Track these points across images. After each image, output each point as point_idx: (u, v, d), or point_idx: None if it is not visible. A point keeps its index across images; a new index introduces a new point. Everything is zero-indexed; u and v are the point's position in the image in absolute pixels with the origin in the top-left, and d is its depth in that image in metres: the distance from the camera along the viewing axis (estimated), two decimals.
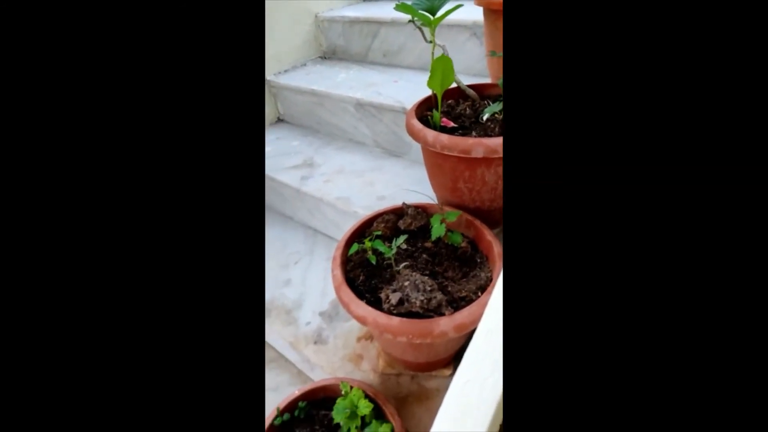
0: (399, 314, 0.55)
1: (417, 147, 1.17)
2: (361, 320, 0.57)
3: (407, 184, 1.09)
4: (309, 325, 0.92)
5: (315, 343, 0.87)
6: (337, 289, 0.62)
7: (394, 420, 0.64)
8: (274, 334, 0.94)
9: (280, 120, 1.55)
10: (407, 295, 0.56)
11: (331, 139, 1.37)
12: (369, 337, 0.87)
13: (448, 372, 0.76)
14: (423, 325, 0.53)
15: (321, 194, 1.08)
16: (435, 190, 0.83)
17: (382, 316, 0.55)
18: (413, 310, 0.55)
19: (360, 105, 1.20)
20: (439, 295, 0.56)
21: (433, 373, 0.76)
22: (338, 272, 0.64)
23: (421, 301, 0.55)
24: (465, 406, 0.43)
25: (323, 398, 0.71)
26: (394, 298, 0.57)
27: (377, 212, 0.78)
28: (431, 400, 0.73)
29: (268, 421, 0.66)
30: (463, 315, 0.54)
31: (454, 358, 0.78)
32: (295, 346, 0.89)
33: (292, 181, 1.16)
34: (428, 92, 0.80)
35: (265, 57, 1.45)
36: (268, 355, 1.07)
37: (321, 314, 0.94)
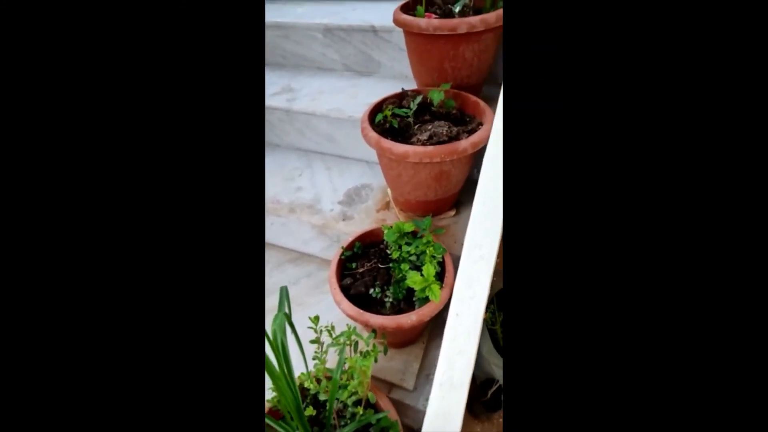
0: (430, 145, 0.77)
1: (385, 65, 1.35)
2: (403, 156, 0.77)
3: (386, 93, 1.28)
4: (332, 211, 1.09)
5: (343, 220, 1.06)
6: (377, 142, 0.81)
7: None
8: (304, 224, 1.09)
9: None
10: (434, 132, 0.78)
11: (299, 70, 1.47)
12: (385, 207, 1.08)
13: (452, 213, 1.02)
14: (450, 146, 0.76)
15: (312, 109, 1.21)
16: (420, 78, 1.04)
17: (419, 147, 0.77)
18: (441, 139, 0.77)
19: (328, 30, 1.32)
20: (457, 128, 0.79)
21: (442, 215, 1.01)
22: (373, 133, 0.83)
23: (446, 131, 0.77)
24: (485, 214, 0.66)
25: (370, 242, 0.92)
26: (425, 135, 0.78)
27: (382, 98, 0.97)
28: (447, 231, 0.98)
29: (337, 258, 0.84)
30: (475, 137, 0.78)
31: (455, 203, 1.04)
32: (326, 227, 1.06)
33: (279, 103, 1.26)
34: (387, 12, 0.98)
35: None
36: (290, 255, 1.22)
37: (340, 203, 1.12)
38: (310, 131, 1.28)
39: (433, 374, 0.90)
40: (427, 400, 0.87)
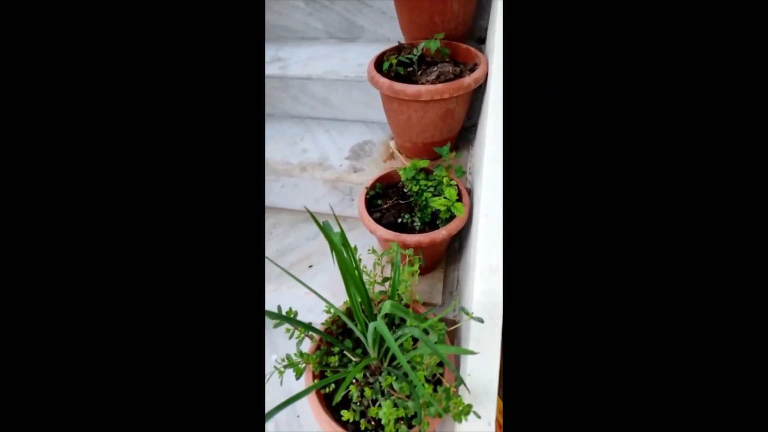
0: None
1: (369, 30, 1.42)
2: (416, 95, 0.87)
3: (373, 55, 1.35)
4: (342, 166, 1.17)
5: (355, 172, 1.14)
6: (390, 86, 0.89)
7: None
8: (317, 181, 1.16)
9: None
10: (441, 72, 0.88)
11: (282, 41, 1.50)
12: (390, 158, 1.17)
13: (452, 155, 1.13)
14: (457, 82, 0.87)
15: (307, 73, 1.26)
16: (412, 34, 1.13)
17: (429, 86, 0.86)
18: (448, 77, 0.87)
19: None
20: (460, 69, 0.90)
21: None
22: (383, 79, 0.91)
23: (452, 69, 0.87)
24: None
25: (387, 184, 1.01)
26: (432, 76, 0.88)
27: (382, 51, 1.05)
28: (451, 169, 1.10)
29: (363, 197, 0.93)
30: (476, 73, 0.89)
31: (454, 147, 1.15)
32: (339, 181, 1.14)
33: (272, 71, 1.30)
34: None
35: None
36: (302, 216, 1.28)
37: (347, 158, 1.19)
38: (305, 96, 1.33)
39: (455, 291, 1.03)
40: (454, 310, 1.00)
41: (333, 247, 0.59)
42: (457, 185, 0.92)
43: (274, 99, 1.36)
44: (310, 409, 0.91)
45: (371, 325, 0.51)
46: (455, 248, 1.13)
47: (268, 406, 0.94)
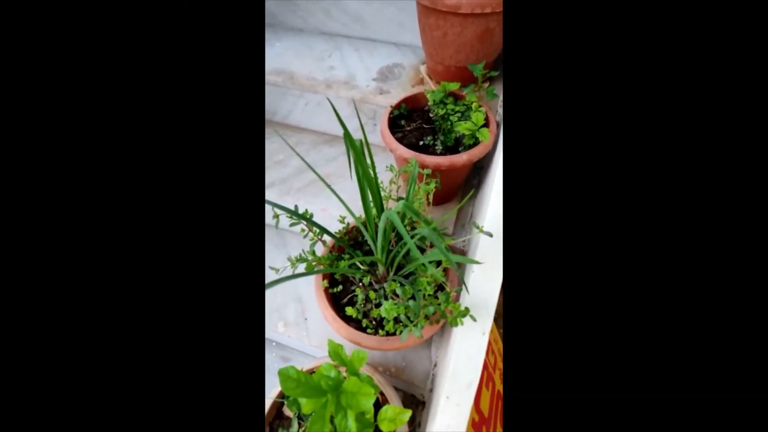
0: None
1: None
2: (455, 7, 0.80)
3: None
4: (368, 87, 1.13)
5: (381, 94, 1.10)
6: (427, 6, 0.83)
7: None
8: (341, 100, 1.13)
9: None
10: None
11: None
12: (419, 83, 1.12)
13: (486, 85, 1.08)
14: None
15: None
16: None
17: (465, 2, 0.79)
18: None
19: None
20: None
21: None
22: None
23: None
24: None
25: (413, 107, 0.98)
26: None
27: None
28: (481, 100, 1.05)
29: (387, 116, 0.91)
30: None
31: (488, 77, 1.09)
32: (363, 102, 1.11)
33: None
34: None
35: None
36: (324, 137, 1.27)
37: (374, 79, 1.15)
38: (337, 11, 1.25)
39: (467, 224, 1.03)
40: (464, 241, 1.01)
41: (354, 150, 0.59)
42: (485, 112, 0.88)
43: (305, 12, 1.29)
44: (317, 313, 0.98)
45: (383, 215, 0.52)
46: (474, 184, 1.11)
47: (280, 307, 1.01)
